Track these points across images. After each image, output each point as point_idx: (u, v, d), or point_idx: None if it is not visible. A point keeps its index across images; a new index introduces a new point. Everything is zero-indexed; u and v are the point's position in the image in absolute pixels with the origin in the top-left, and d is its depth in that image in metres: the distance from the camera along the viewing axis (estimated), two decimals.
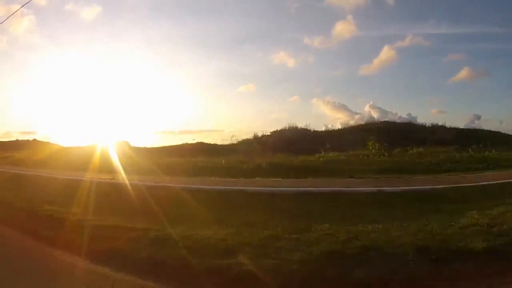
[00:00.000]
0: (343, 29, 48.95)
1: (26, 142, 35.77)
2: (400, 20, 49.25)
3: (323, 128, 37.88)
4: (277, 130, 33.16)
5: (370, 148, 17.16)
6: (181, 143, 32.39)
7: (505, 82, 44.45)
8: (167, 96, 58.22)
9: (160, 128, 63.93)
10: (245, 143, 27.89)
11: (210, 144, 31.45)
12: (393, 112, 45.68)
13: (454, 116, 54.95)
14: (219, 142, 32.58)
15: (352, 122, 41.13)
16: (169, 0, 51.72)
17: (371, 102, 45.82)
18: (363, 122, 38.80)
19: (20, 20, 42.96)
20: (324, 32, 58.85)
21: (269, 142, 26.06)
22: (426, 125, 34.02)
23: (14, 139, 38.49)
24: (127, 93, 54.64)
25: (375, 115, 41.97)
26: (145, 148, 29.08)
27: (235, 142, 27.57)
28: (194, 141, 32.84)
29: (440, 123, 33.69)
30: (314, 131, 34.74)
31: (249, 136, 31.68)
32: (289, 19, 50.79)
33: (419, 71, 50.72)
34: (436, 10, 48.40)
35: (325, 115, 55.09)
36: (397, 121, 37.99)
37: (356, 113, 46.44)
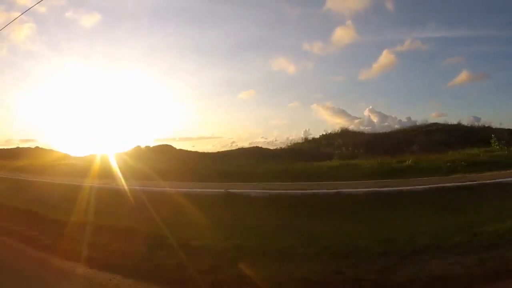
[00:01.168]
0: (342, 34, 49.11)
1: (28, 149, 35.82)
2: (399, 25, 49.51)
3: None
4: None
5: (494, 145, 17.09)
6: (235, 148, 32.87)
7: (504, 84, 44.45)
8: (167, 103, 58.25)
9: (160, 135, 63.84)
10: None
11: (264, 148, 31.09)
12: (393, 116, 45.75)
13: (453, 119, 54.91)
14: (223, 149, 33.10)
15: (352, 127, 41.28)
16: (169, 7, 52.12)
17: (370, 107, 45.85)
18: (363, 127, 39.06)
19: (20, 27, 43.47)
20: (324, 38, 59.18)
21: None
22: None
23: (15, 147, 38.55)
24: (127, 100, 54.63)
25: (375, 119, 42.12)
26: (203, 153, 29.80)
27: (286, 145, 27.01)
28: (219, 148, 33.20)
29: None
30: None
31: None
32: (288, 25, 51.15)
33: (418, 75, 50.79)
34: (434, 14, 48.56)
35: (325, 121, 55.08)
36: (397, 125, 38.10)
37: (356, 118, 46.43)
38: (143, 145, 32.20)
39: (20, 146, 38.54)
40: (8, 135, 68.45)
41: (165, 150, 28.77)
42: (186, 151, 29.68)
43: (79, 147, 38.35)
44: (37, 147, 36.60)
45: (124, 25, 51.57)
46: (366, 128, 40.10)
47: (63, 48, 48.52)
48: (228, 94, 57.46)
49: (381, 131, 36.78)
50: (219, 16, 50.44)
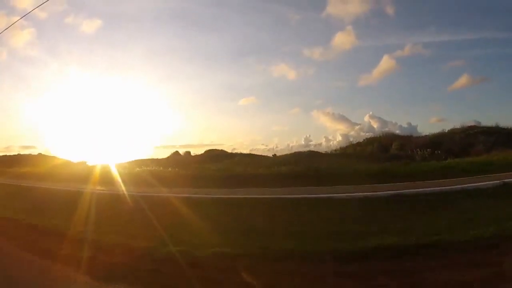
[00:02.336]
0: (343, 40, 49.41)
1: (30, 156, 36.06)
2: (399, 29, 49.68)
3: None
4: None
5: None
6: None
7: (505, 87, 44.43)
8: (168, 109, 58.61)
9: (160, 142, 63.83)
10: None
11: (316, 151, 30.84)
12: (393, 122, 45.88)
13: (453, 123, 54.70)
14: None
15: (352, 133, 41.40)
16: (169, 13, 52.67)
17: (370, 112, 46.01)
18: (363, 133, 39.17)
19: (21, 32, 43.69)
20: (324, 44, 59.42)
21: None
22: None
23: (16, 153, 38.65)
24: (127, 106, 54.91)
25: (375, 125, 42.23)
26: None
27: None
28: None
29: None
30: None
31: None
32: (289, 31, 51.51)
33: (418, 79, 50.82)
34: (435, 18, 48.82)
35: (326, 127, 55.25)
36: (397, 131, 38.21)
37: (356, 124, 46.51)
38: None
39: (21, 153, 38.70)
40: (8, 142, 68.63)
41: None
42: None
43: (80, 154, 38.62)
44: (39, 154, 36.89)
45: (124, 31, 52.14)
46: (367, 134, 40.30)
47: (63, 53, 49.03)
48: (228, 100, 57.69)
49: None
50: (219, 22, 50.94)
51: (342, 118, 46.13)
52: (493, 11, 44.14)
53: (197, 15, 50.80)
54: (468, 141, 23.51)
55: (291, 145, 46.36)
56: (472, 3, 46.09)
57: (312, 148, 35.80)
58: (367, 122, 44.11)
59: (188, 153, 37.26)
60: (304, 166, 15.50)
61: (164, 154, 38.79)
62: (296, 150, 32.36)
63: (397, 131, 38.60)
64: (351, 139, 36.80)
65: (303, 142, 44.02)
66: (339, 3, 51.07)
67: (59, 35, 50.30)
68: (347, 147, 28.89)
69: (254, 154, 35.41)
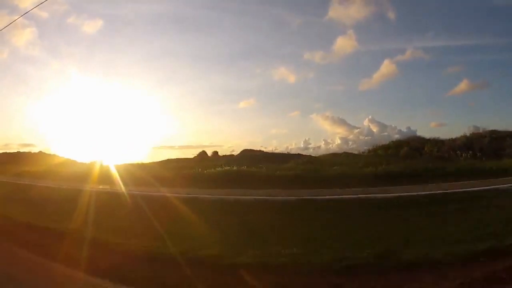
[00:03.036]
0: (343, 44, 49.39)
1: (29, 154, 36.16)
2: (400, 34, 49.49)
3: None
4: None
5: None
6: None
7: (505, 93, 44.41)
8: (167, 111, 58.39)
9: (160, 143, 63.48)
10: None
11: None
12: (392, 126, 45.96)
13: (453, 128, 54.88)
14: None
15: (351, 137, 41.39)
16: (169, 15, 52.49)
17: (370, 116, 46.07)
18: (362, 137, 39.23)
19: (22, 32, 43.72)
20: (325, 47, 59.20)
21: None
22: None
23: (16, 151, 38.48)
24: (126, 107, 54.53)
25: (374, 129, 42.27)
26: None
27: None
28: None
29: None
30: None
31: None
32: (289, 34, 51.41)
33: (418, 84, 50.70)
34: (435, 23, 48.86)
35: (325, 130, 55.25)
36: (397, 135, 38.26)
37: (355, 128, 46.59)
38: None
39: (21, 150, 38.61)
40: (6, 140, 68.64)
41: None
42: None
43: (79, 153, 38.59)
44: (40, 152, 36.95)
45: (125, 32, 51.48)
46: (366, 138, 40.35)
47: (64, 53, 48.67)
48: (228, 102, 57.60)
49: (382, 140, 36.86)
50: (219, 24, 50.93)
51: (341, 122, 46.14)
52: (493, 16, 44.18)
53: (197, 18, 50.83)
54: (497, 144, 23.39)
55: (289, 147, 46.47)
56: (472, 8, 46.17)
57: (311, 152, 35.82)
58: (366, 126, 44.13)
59: (215, 153, 36.16)
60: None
61: (187, 154, 38.40)
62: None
63: (396, 135, 38.86)
64: (350, 143, 36.96)
65: (302, 145, 44.07)
66: (340, 7, 51.14)
67: (60, 35, 50.28)
68: (374, 149, 28.18)
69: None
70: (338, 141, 40.37)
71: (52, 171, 22.98)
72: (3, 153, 38.00)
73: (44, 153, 36.20)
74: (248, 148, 37.98)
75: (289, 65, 53.82)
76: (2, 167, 28.28)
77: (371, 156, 22.73)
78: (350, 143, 37.89)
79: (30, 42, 46.52)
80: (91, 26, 51.04)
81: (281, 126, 57.16)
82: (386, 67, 45.93)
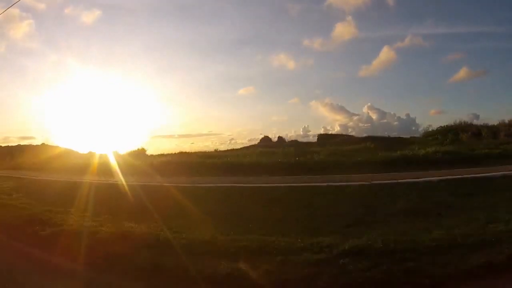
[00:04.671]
0: (343, 30, 49.00)
1: (31, 146, 36.32)
2: (399, 21, 49.13)
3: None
4: None
5: None
6: None
7: (504, 81, 44.12)
8: (166, 100, 58.44)
9: (159, 132, 63.72)
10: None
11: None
12: (391, 113, 45.89)
13: (453, 116, 54.51)
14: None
15: (350, 124, 41.37)
16: (168, 3, 52.18)
17: (369, 104, 46.03)
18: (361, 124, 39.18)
19: (19, 24, 43.48)
20: (324, 34, 58.74)
21: None
22: None
23: (16, 144, 38.71)
24: (126, 97, 54.64)
25: (373, 116, 42.27)
26: None
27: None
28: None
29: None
30: None
31: None
32: (289, 21, 50.91)
33: (418, 71, 50.47)
34: (435, 10, 48.09)
35: (324, 117, 55.27)
36: (396, 122, 38.23)
37: (355, 115, 46.52)
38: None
39: (21, 143, 38.81)
40: (6, 133, 68.91)
41: None
42: None
43: (79, 143, 38.81)
44: (41, 144, 37.07)
45: (123, 22, 51.62)
46: (365, 125, 40.37)
47: (62, 44, 48.62)
48: (227, 90, 57.62)
49: (381, 127, 36.80)
50: (218, 12, 50.42)
51: (341, 109, 46.10)
52: (493, 4, 43.64)
53: (196, 5, 50.34)
54: None
55: (289, 135, 46.58)
56: None
57: (310, 139, 35.74)
58: (366, 113, 44.19)
59: (281, 138, 34.42)
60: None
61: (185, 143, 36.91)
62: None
63: (396, 123, 38.83)
64: (350, 130, 36.96)
65: (301, 132, 44.11)
66: None
67: (58, 26, 50.16)
68: (429, 134, 27.04)
69: None
70: (337, 128, 40.51)
71: (54, 162, 23.14)
72: (4, 146, 38.53)
73: (45, 144, 36.35)
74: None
75: (288, 52, 53.81)
76: (3, 160, 28.70)
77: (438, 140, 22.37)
78: (350, 130, 37.95)
79: (28, 34, 46.26)
80: (89, 17, 50.53)
81: (281, 113, 57.34)
82: (386, 54, 45.66)
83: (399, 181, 9.45)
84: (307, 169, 13.37)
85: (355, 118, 44.73)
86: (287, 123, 57.38)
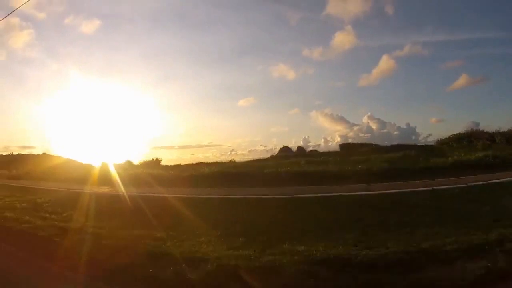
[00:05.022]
0: (342, 39, 49.34)
1: (31, 156, 35.82)
2: (398, 29, 49.35)
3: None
4: None
5: None
6: None
7: (504, 87, 44.49)
8: (166, 110, 58.49)
9: (159, 143, 63.12)
10: None
11: None
12: (391, 123, 46.09)
13: (452, 124, 54.88)
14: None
15: (351, 134, 41.48)
16: (168, 13, 52.55)
17: (369, 113, 46.18)
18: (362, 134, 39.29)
19: (20, 33, 43.37)
20: (324, 43, 59.44)
21: None
22: None
23: (17, 153, 38.33)
24: (125, 106, 54.38)
25: (373, 126, 42.36)
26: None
27: None
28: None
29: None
30: None
31: None
32: (288, 31, 51.54)
33: (417, 79, 50.64)
34: (433, 18, 48.86)
35: (324, 128, 55.39)
36: (396, 132, 38.43)
37: (355, 125, 46.57)
38: None
39: (22, 152, 38.40)
40: (6, 142, 67.75)
41: None
42: None
43: (80, 153, 38.30)
44: (41, 153, 36.63)
45: (123, 31, 52.01)
46: (365, 135, 40.48)
47: (63, 54, 48.76)
48: (227, 101, 57.51)
49: (381, 137, 36.90)
50: (218, 22, 50.88)
51: (341, 119, 46.08)
52: (492, 11, 44.24)
53: (196, 15, 50.86)
54: None
55: (289, 146, 46.38)
56: (471, 3, 46.50)
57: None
58: (366, 123, 44.25)
59: (300, 147, 34.43)
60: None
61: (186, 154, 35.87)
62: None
63: (396, 132, 38.98)
64: (350, 140, 37.00)
65: (301, 143, 44.01)
66: (338, 2, 51.27)
67: (58, 35, 50.21)
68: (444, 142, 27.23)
69: None
70: (337, 138, 40.54)
71: (57, 172, 22.83)
72: (5, 155, 38.00)
73: (46, 154, 35.96)
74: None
75: (288, 61, 54.04)
76: (4, 170, 28.35)
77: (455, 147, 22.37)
78: (350, 140, 37.99)
79: (28, 44, 46.37)
80: (89, 26, 50.91)
81: (281, 124, 57.35)
82: (385, 62, 46.21)
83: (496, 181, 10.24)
84: (409, 174, 12.96)
85: (355, 128, 44.83)
86: (287, 134, 57.47)
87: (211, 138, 71.02)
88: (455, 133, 26.66)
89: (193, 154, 31.61)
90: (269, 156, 31.75)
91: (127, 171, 18.98)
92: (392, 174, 13.10)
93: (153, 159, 29.30)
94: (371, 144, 30.78)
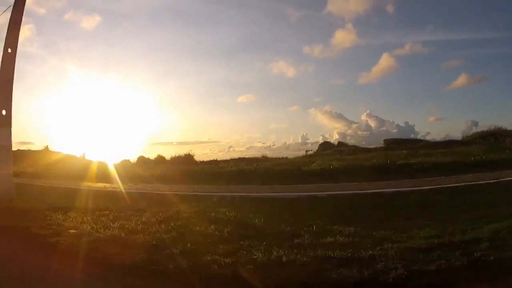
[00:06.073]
0: (342, 37, 49.78)
1: (33, 152, 35.20)
2: (399, 28, 49.75)
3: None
4: None
5: None
6: None
7: (503, 87, 45.25)
8: (165, 106, 58.11)
9: (157, 139, 62.81)
10: None
11: None
12: (390, 121, 46.77)
13: (451, 123, 55.93)
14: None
15: (349, 132, 41.93)
16: (168, 9, 52.23)
17: (368, 111, 46.77)
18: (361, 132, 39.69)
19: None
20: (324, 41, 59.93)
21: None
22: None
23: (16, 149, 37.43)
24: (125, 103, 54.36)
25: (372, 124, 42.86)
26: None
27: None
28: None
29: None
30: None
31: None
32: (288, 28, 51.63)
33: (417, 78, 51.40)
34: (434, 17, 49.54)
35: (323, 125, 55.92)
36: (395, 130, 39.01)
37: (354, 123, 47.07)
38: None
39: (20, 148, 37.47)
40: None
41: None
42: None
43: (78, 149, 37.89)
44: (41, 149, 36.08)
45: (122, 27, 52.08)
46: (364, 133, 41.01)
47: (63, 49, 48.13)
48: (227, 97, 57.70)
49: (380, 135, 37.48)
50: (218, 18, 50.89)
51: (340, 117, 46.50)
52: (493, 10, 44.89)
53: (196, 12, 50.80)
54: None
55: (288, 143, 46.70)
56: (471, 2, 47.19)
57: (309, 147, 36.06)
58: (364, 121, 44.79)
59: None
60: None
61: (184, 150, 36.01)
62: None
63: (394, 130, 39.65)
64: (348, 138, 37.42)
65: (300, 140, 44.27)
66: (339, 0, 51.61)
67: (58, 31, 49.39)
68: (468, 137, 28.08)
69: None
70: (336, 136, 40.90)
71: (57, 168, 22.62)
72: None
73: (46, 150, 35.41)
74: None
75: (288, 59, 54.33)
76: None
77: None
78: (348, 138, 38.37)
79: (28, 39, 45.49)
80: (89, 22, 50.35)
81: (280, 121, 57.54)
82: (385, 61, 46.78)
83: None
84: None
85: (354, 126, 45.25)
86: (286, 130, 57.75)
87: (210, 134, 70.77)
88: (478, 131, 27.76)
89: (191, 151, 31.68)
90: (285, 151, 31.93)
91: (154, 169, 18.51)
92: None
93: (185, 155, 29.03)
94: (414, 139, 31.13)
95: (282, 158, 29.40)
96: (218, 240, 4.77)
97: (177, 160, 28.95)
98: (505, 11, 42.86)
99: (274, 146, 43.96)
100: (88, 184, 14.98)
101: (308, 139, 45.14)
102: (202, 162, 29.45)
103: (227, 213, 6.63)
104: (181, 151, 31.74)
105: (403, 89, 51.03)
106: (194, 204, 8.24)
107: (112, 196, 10.97)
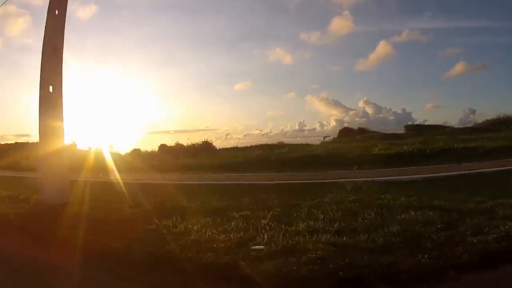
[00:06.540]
0: (340, 24, 48.64)
1: (30, 144, 32.32)
2: (397, 15, 49.35)
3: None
4: None
5: None
6: None
7: (501, 75, 45.49)
8: (162, 95, 55.79)
9: (155, 127, 60.75)
10: None
11: None
12: (387, 107, 46.40)
13: (449, 110, 56.25)
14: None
15: (346, 118, 41.26)
16: None
17: (365, 98, 46.13)
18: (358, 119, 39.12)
19: (16, 20, 41.52)
20: (321, 28, 58.98)
21: None
22: None
23: (13, 142, 35.11)
24: (122, 92, 52.11)
25: (369, 111, 42.38)
26: None
27: None
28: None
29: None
30: None
31: None
32: (285, 15, 50.19)
33: (415, 65, 51.06)
34: (432, 4, 49.34)
35: (320, 112, 55.27)
36: (392, 117, 38.59)
37: (351, 109, 46.44)
38: None
39: (18, 141, 35.03)
40: (2, 131, 62.64)
41: None
42: None
43: (77, 139, 35.51)
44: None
45: (119, 17, 49.80)
46: (361, 120, 40.36)
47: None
48: (224, 85, 56.44)
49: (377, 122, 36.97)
50: (215, 6, 49.28)
51: (337, 104, 45.88)
52: None
53: (193, 0, 47.81)
54: None
55: (285, 130, 45.76)
56: None
57: (306, 134, 35.20)
58: (362, 107, 44.28)
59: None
60: None
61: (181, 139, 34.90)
62: None
63: (392, 117, 39.16)
64: (345, 124, 36.69)
65: (297, 127, 43.48)
66: None
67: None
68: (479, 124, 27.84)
69: None
70: (333, 123, 40.25)
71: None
72: (2, 144, 34.71)
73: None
74: None
75: (285, 46, 53.13)
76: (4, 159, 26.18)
77: None
78: (345, 125, 37.67)
79: (25, 31, 43.00)
80: (85, 12, 46.76)
81: (277, 108, 56.49)
82: (382, 48, 46.10)
83: None
84: None
85: (351, 112, 44.69)
86: (283, 117, 56.97)
87: (208, 122, 69.36)
88: (489, 119, 27.94)
89: (188, 139, 29.74)
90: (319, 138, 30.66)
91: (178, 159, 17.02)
92: None
93: (203, 142, 27.21)
94: (436, 126, 30.18)
95: (307, 144, 27.83)
96: None
97: (192, 148, 27.12)
98: (504, 0, 42.03)
99: (271, 133, 42.86)
100: (137, 177, 13.19)
101: (305, 125, 44.49)
102: (221, 150, 27.80)
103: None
104: (179, 139, 29.63)
105: (401, 77, 50.91)
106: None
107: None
